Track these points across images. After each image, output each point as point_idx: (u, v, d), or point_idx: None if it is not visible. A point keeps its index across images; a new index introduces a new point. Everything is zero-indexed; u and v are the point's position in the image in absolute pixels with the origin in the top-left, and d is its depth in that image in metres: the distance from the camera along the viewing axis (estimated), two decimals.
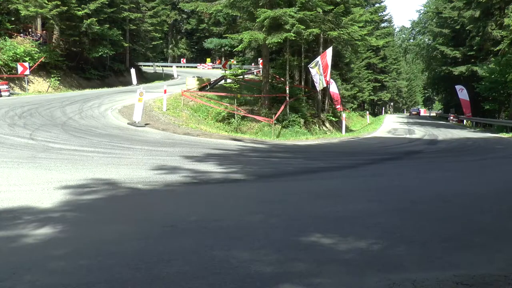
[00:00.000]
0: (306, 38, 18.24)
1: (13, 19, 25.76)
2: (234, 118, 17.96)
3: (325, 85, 20.54)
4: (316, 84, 20.50)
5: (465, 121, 35.09)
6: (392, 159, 10.49)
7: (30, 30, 27.97)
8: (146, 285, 2.55)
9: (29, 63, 22.59)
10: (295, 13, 16.55)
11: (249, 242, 3.37)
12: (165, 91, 16.79)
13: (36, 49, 24.24)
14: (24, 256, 3.00)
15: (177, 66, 48.09)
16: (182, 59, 58.88)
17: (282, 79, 22.99)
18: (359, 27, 21.02)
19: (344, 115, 23.83)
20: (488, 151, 13.27)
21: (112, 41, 29.65)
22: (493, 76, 27.72)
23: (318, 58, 19.62)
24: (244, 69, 29.04)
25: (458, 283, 2.65)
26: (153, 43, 39.29)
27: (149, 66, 46.16)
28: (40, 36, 26.83)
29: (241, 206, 4.70)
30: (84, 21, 26.17)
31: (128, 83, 32.05)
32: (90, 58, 29.62)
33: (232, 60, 39.89)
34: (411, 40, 65.57)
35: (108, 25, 28.17)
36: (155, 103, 17.58)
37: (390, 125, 30.97)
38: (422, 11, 58.18)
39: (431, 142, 16.97)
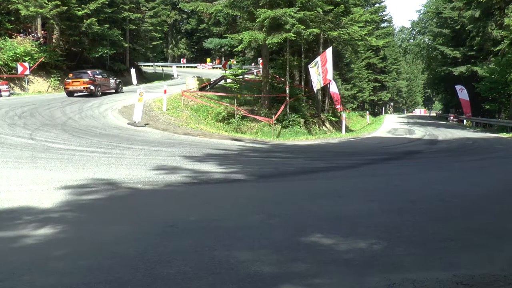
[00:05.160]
0: (306, 38, 18.24)
1: (13, 19, 25.76)
2: (234, 118, 17.96)
3: (322, 85, 20.55)
4: (313, 84, 20.51)
5: (465, 121, 35.09)
6: (392, 159, 10.49)
7: (30, 30, 27.97)
8: (146, 285, 2.55)
9: (29, 63, 22.60)
10: (295, 13, 16.56)
11: (249, 242, 3.37)
12: (165, 91, 16.79)
13: (36, 49, 24.25)
14: (24, 256, 3.00)
15: (177, 66, 48.11)
16: (182, 59, 58.91)
17: (282, 79, 23.00)
18: (359, 27, 21.01)
19: (344, 115, 23.83)
20: (488, 151, 13.27)
21: (112, 41, 29.66)
22: (493, 76, 27.71)
23: (318, 58, 19.62)
24: (244, 69, 29.06)
25: (458, 283, 2.65)
26: (153, 43, 39.25)
27: (149, 66, 46.17)
28: (40, 36, 26.83)
29: (241, 206, 4.70)
30: (84, 21, 26.17)
31: (128, 83, 32.02)
32: (90, 58, 29.63)
33: (232, 60, 39.88)
34: (411, 40, 65.43)
35: (108, 25, 28.17)
36: (155, 103, 17.59)
37: (390, 125, 30.97)
38: (422, 11, 58.09)
39: (431, 142, 16.97)
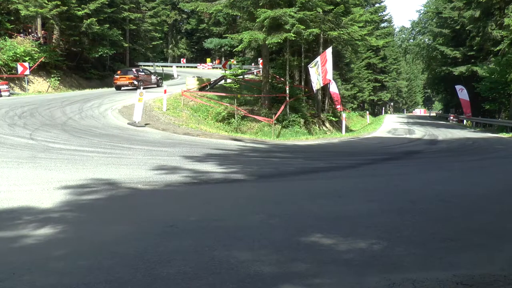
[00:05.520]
0: (306, 38, 18.24)
1: (13, 19, 25.78)
2: (234, 118, 17.96)
3: (322, 85, 20.55)
4: (313, 84, 20.50)
5: (465, 121, 35.10)
6: (392, 159, 10.49)
7: (30, 30, 27.97)
8: (146, 285, 2.55)
9: (29, 63, 22.60)
10: (295, 13, 16.55)
11: (249, 242, 3.37)
12: (165, 91, 16.80)
13: (36, 49, 24.25)
14: (24, 256, 3.00)
15: (177, 66, 48.09)
16: (182, 59, 58.88)
17: (282, 79, 23.00)
18: (359, 27, 21.01)
19: (344, 115, 23.83)
20: (488, 151, 13.27)
21: (112, 41, 29.67)
22: (493, 76, 27.71)
23: (318, 58, 19.63)
24: (244, 69, 29.07)
25: (458, 283, 2.65)
26: (153, 43, 39.30)
27: (149, 66, 46.15)
28: (40, 36, 26.83)
29: (241, 206, 4.70)
30: (84, 21, 26.18)
31: None
32: (90, 58, 29.65)
33: (232, 60, 39.89)
34: (411, 40, 65.47)
35: (108, 25, 28.19)
36: (155, 103, 17.59)
37: (390, 125, 30.97)
38: (422, 11, 58.12)
39: (431, 142, 16.97)
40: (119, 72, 24.69)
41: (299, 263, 2.96)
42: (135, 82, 23.18)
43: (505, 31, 26.98)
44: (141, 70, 25.92)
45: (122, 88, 23.72)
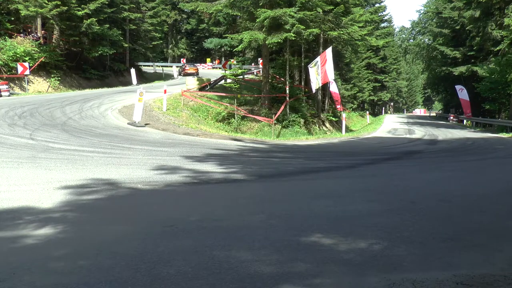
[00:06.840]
0: (306, 38, 18.25)
1: (13, 19, 25.76)
2: (234, 118, 17.96)
3: (320, 85, 20.55)
4: (312, 84, 20.48)
5: (465, 121, 35.09)
6: (392, 159, 10.49)
7: (30, 30, 27.98)
8: (146, 285, 2.55)
9: (29, 63, 22.59)
10: (295, 13, 16.55)
11: (249, 242, 3.37)
12: (165, 91, 16.79)
13: (36, 49, 24.23)
14: (24, 256, 3.00)
15: (177, 66, 48.09)
16: (182, 59, 58.86)
17: (282, 79, 23.00)
18: (359, 27, 21.02)
19: (344, 115, 23.82)
20: (488, 151, 13.27)
21: (112, 41, 29.67)
22: (493, 76, 27.70)
23: (318, 58, 19.62)
24: (244, 69, 29.06)
25: (458, 283, 2.65)
26: (153, 43, 39.30)
27: (149, 66, 46.14)
28: (40, 36, 26.83)
29: (241, 206, 4.70)
30: (84, 21, 26.17)
31: (128, 83, 32.06)
32: (90, 58, 29.62)
33: (232, 60, 39.90)
34: (411, 40, 65.55)
35: (108, 25, 28.18)
36: (155, 103, 17.59)
37: (390, 125, 30.97)
38: (422, 11, 58.26)
39: (431, 142, 16.97)
40: (186, 65, 41.96)
41: (299, 263, 2.96)
42: (198, 71, 38.37)
43: (505, 31, 26.96)
44: (197, 64, 47.35)
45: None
